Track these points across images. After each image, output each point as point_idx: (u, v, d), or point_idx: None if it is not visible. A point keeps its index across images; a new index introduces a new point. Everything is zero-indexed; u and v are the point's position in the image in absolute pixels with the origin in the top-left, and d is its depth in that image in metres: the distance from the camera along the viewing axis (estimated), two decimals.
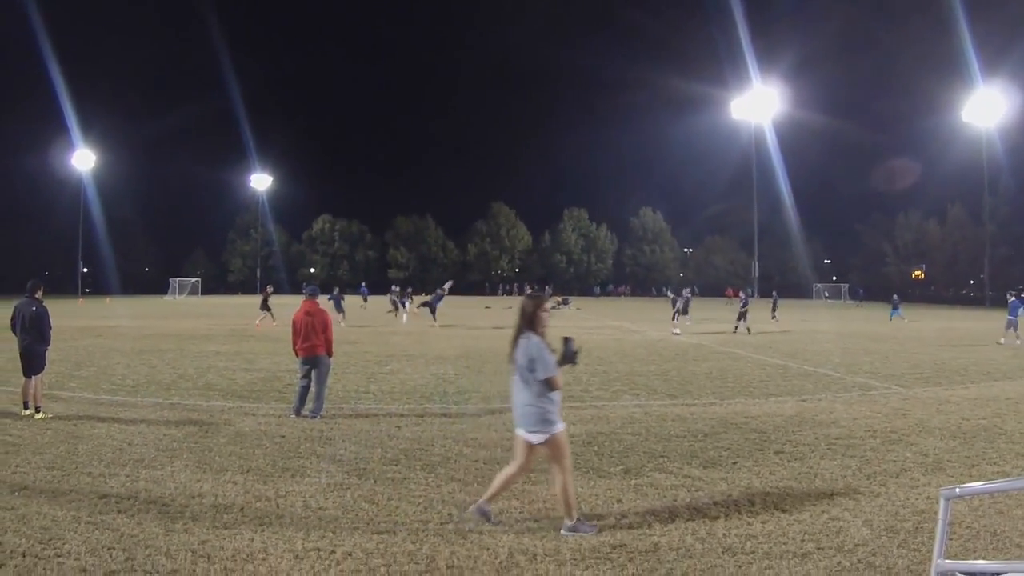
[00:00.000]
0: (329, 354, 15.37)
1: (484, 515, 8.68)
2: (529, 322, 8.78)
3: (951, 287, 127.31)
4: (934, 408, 17.36)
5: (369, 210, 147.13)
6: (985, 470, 11.80)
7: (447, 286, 51.75)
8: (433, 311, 44.10)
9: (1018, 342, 36.01)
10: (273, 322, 41.85)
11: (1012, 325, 36.86)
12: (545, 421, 8.60)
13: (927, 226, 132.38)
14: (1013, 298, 38.38)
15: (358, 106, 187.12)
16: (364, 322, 46.02)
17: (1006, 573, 5.78)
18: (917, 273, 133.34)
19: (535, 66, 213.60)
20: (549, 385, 8.56)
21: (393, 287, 63.17)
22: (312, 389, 15.12)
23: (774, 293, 53.92)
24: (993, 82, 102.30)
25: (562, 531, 8.44)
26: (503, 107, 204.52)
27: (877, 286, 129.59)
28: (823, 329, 46.12)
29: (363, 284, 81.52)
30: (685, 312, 43.49)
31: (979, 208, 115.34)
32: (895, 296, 61.28)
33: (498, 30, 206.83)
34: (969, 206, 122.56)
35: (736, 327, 42.09)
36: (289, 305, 17.97)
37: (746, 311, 42.65)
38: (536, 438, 8.60)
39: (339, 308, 45.22)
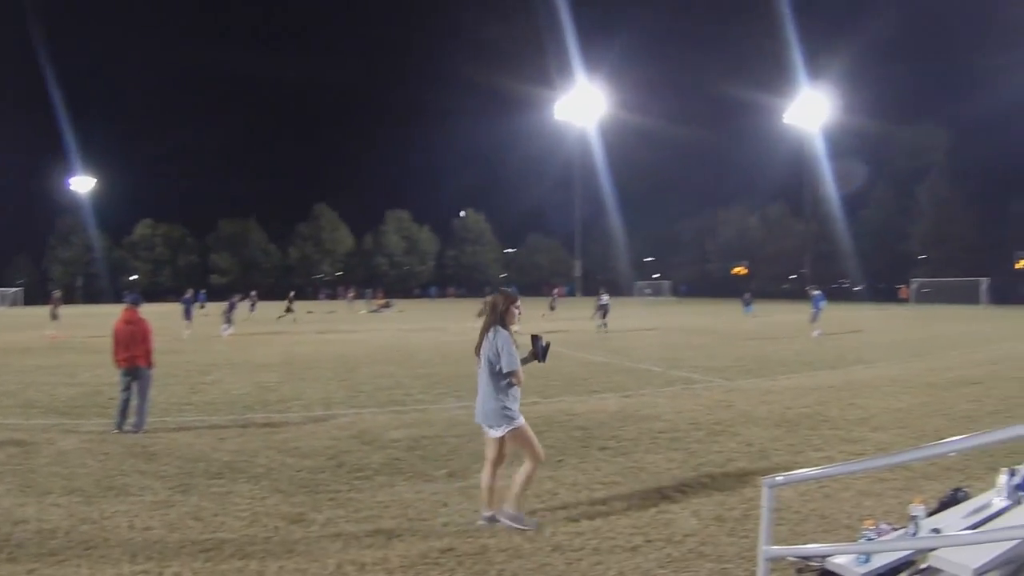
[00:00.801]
0: (150, 365, 14.85)
1: (493, 520, 8.76)
2: (499, 317, 8.98)
3: (773, 282, 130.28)
4: (757, 399, 17.77)
5: (191, 213, 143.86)
6: (810, 456, 12.12)
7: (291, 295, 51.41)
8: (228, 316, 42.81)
9: (815, 334, 37.49)
10: (56, 333, 39.98)
11: (815, 316, 38.80)
12: (506, 416, 8.84)
13: (749, 223, 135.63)
14: (816, 292, 40.14)
15: (179, 107, 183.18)
16: (203, 329, 44.75)
17: (833, 555, 5.93)
18: (738, 269, 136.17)
19: (356, 66, 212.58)
20: (511, 379, 8.86)
21: (249, 294, 62.10)
22: (133, 402, 14.59)
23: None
24: (816, 85, 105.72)
25: (498, 516, 8.65)
26: (325, 108, 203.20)
27: (699, 282, 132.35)
28: (645, 326, 46.73)
29: (202, 291, 79.82)
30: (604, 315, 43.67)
31: (801, 206, 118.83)
32: (747, 294, 62.67)
33: (320, 31, 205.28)
34: (791, 204, 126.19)
35: (603, 324, 42.52)
36: (112, 315, 17.48)
37: (606, 308, 43.43)
38: (496, 432, 8.83)
39: (188, 315, 42.81)
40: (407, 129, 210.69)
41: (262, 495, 9.91)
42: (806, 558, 7.06)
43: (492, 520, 8.72)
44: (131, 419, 14.40)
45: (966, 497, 7.71)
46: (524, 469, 8.81)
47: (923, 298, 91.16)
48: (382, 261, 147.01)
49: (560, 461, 11.83)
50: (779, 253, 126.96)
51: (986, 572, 5.25)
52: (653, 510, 9.30)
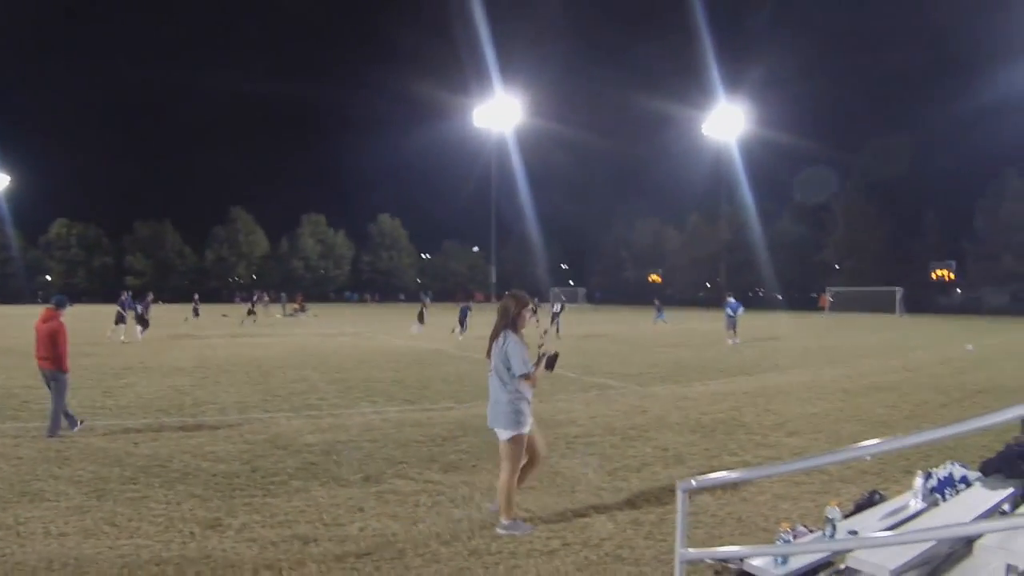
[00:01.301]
0: (62, 369, 14.31)
1: (521, 528, 8.69)
2: (511, 321, 8.92)
3: (688, 290, 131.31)
4: (672, 404, 17.86)
5: (107, 214, 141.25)
6: (725, 461, 12.20)
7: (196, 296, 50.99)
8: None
9: (731, 341, 37.96)
10: None
11: (731, 324, 38.82)
12: (518, 422, 8.78)
13: (665, 232, 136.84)
14: (730, 298, 40.28)
15: (95, 105, 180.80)
16: (186, 332, 44.10)
17: (750, 557, 5.95)
18: (654, 277, 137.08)
19: (274, 72, 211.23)
20: (524, 382, 8.79)
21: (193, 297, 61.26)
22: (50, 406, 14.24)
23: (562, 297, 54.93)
24: (734, 98, 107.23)
25: (497, 529, 8.54)
26: (242, 112, 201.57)
27: (614, 289, 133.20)
28: (561, 332, 46.88)
29: (128, 292, 78.29)
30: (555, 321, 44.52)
31: (716, 215, 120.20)
32: (657, 300, 63.01)
33: (236, 36, 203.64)
34: (706, 213, 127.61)
35: (556, 331, 42.86)
36: (27, 316, 17.01)
37: (559, 314, 45.61)
38: (504, 435, 8.79)
39: (120, 319, 40.63)
40: (324, 134, 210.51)
41: (177, 500, 9.72)
42: (724, 560, 7.10)
43: (512, 528, 8.68)
44: (47, 423, 14.04)
45: (882, 500, 7.80)
46: (503, 479, 8.74)
47: (838, 307, 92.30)
48: (298, 265, 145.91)
49: (475, 466, 11.82)
50: (694, 262, 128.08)
51: (903, 573, 5.30)
52: (569, 514, 9.30)
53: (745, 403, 18.13)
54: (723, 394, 19.60)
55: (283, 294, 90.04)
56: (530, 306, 9.19)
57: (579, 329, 50.00)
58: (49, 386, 14.27)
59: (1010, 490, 7.23)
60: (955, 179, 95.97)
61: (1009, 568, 5.16)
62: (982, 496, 7.03)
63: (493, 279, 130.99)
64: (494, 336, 9.01)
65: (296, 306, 74.45)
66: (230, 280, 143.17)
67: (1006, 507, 7.08)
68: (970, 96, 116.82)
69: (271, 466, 11.59)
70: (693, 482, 5.59)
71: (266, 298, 79.95)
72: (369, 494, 10.12)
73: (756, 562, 5.85)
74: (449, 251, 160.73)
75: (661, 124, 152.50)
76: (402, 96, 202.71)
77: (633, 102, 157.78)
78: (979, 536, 5.22)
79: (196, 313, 57.58)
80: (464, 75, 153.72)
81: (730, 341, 37.88)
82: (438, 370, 25.19)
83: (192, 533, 8.42)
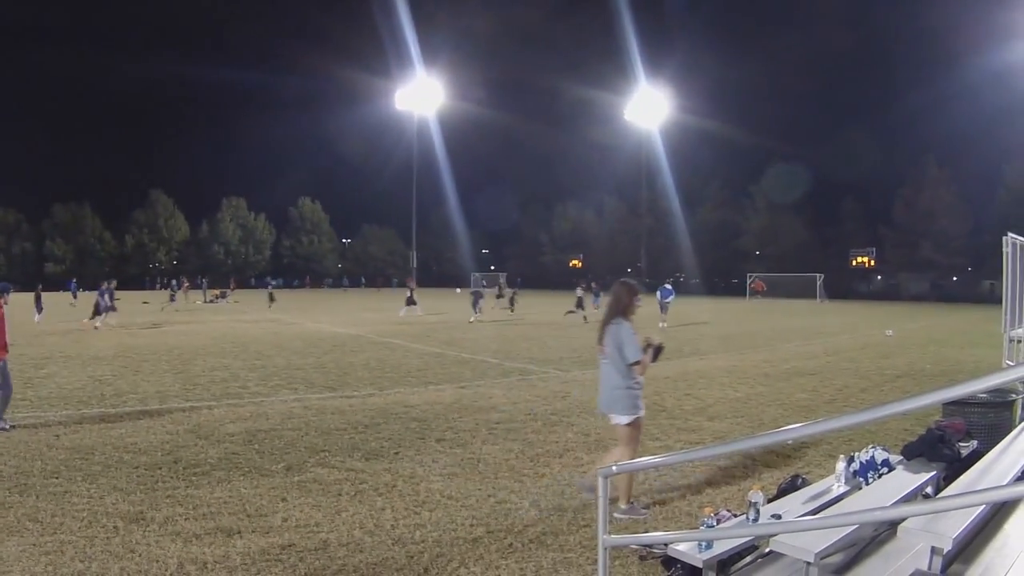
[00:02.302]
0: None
1: (639, 512, 8.81)
2: (623, 309, 9.09)
3: (608, 275, 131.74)
4: (594, 389, 17.83)
5: (26, 198, 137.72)
6: (648, 446, 12.21)
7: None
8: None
9: (661, 325, 38.88)
10: None
11: (663, 308, 40.74)
12: (634, 405, 9.04)
13: (585, 217, 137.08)
14: (667, 285, 42.41)
15: (8, 86, 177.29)
16: (73, 319, 43.17)
17: (673, 542, 5.97)
18: (574, 262, 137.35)
19: (193, 53, 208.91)
20: (636, 368, 8.95)
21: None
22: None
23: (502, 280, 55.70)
24: (655, 83, 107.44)
25: (615, 514, 8.60)
26: (159, 92, 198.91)
27: (534, 275, 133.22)
28: (481, 317, 46.96)
29: (73, 280, 76.72)
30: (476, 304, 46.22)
31: (637, 200, 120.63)
32: (594, 284, 63.45)
33: (154, 16, 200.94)
34: (628, 199, 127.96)
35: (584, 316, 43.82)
36: None
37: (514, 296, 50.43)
38: (623, 419, 9.04)
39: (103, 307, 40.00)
40: (244, 116, 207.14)
41: (100, 494, 9.54)
42: (648, 545, 7.12)
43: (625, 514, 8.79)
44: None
45: (805, 484, 7.87)
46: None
47: (760, 293, 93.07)
48: (218, 250, 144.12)
49: (397, 453, 11.76)
50: (615, 247, 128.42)
51: (827, 556, 5.34)
52: (492, 500, 9.31)
53: (666, 388, 18.30)
54: (645, 379, 19.65)
55: (203, 280, 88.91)
56: (639, 296, 9.28)
57: (501, 314, 50.04)
58: None
59: (932, 473, 7.33)
60: (875, 166, 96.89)
61: (933, 550, 5.21)
62: (905, 479, 7.12)
63: (413, 263, 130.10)
64: (605, 323, 9.15)
65: (216, 292, 73.80)
66: (150, 266, 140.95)
67: (929, 490, 7.18)
68: (891, 83, 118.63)
69: (193, 457, 11.45)
70: (614, 467, 5.61)
71: (185, 284, 79.07)
72: (292, 484, 10.03)
73: (680, 547, 5.86)
74: (369, 235, 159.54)
75: (583, 108, 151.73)
76: (323, 78, 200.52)
77: (555, 86, 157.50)
78: (903, 519, 5.27)
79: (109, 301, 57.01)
80: (386, 57, 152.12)
81: (661, 324, 38.84)
82: (359, 356, 25.12)
83: (116, 528, 8.27)
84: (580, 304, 45.80)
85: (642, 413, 9.06)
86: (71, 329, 36.27)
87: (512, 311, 51.02)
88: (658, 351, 9.45)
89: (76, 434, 13.11)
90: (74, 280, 74.99)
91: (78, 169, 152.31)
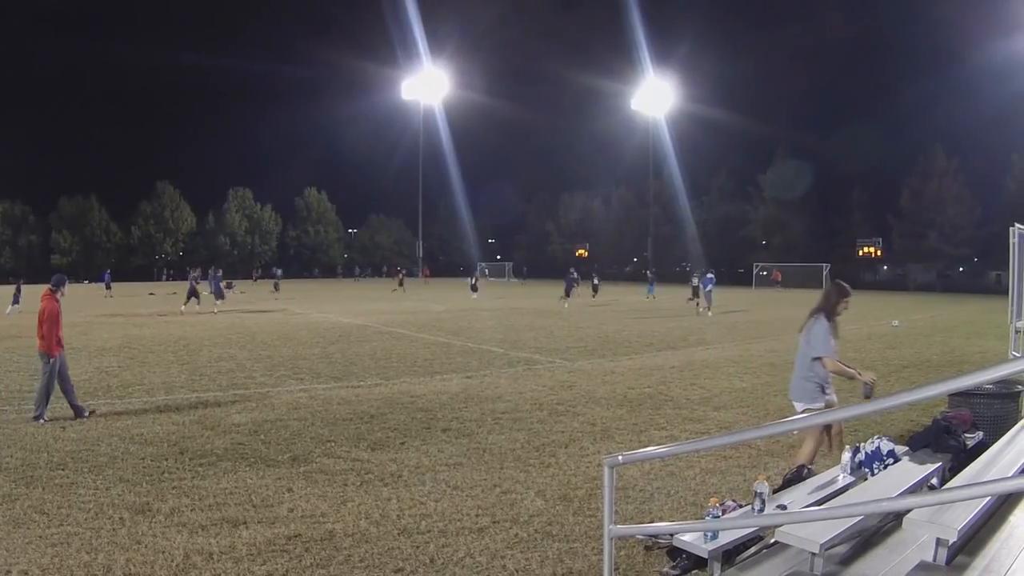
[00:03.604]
0: (49, 353, 14.11)
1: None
2: (828, 307, 9.16)
3: (615, 264, 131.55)
4: (599, 379, 17.95)
5: (32, 190, 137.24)
6: (653, 435, 12.29)
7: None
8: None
9: (704, 311, 41.23)
10: None
11: (706, 296, 42.08)
12: (811, 397, 9.14)
13: (592, 206, 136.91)
14: (709, 274, 43.35)
15: (13, 79, 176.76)
16: (113, 311, 43.75)
17: (679, 532, 5.97)
18: (581, 251, 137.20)
19: (199, 44, 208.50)
20: (819, 363, 9.03)
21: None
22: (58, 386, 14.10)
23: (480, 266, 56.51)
24: (661, 73, 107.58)
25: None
26: (166, 84, 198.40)
27: (541, 264, 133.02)
28: (487, 307, 46.94)
29: (107, 271, 76.39)
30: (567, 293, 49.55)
31: (644, 190, 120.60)
32: (649, 273, 63.85)
33: (160, 6, 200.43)
34: (634, 188, 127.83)
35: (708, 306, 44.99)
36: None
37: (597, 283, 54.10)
38: (798, 406, 9.25)
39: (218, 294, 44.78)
40: (251, 107, 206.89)
41: (106, 485, 9.54)
42: (654, 536, 7.12)
43: None
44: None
45: (811, 474, 7.86)
46: (804, 451, 8.98)
47: (763, 282, 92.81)
48: (224, 240, 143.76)
49: (403, 443, 11.78)
50: (621, 236, 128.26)
51: (833, 547, 5.34)
52: (498, 491, 9.31)
53: (672, 377, 18.31)
54: (650, 369, 19.77)
55: (210, 270, 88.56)
56: (849, 298, 9.31)
57: (503, 303, 49.96)
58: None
59: (938, 464, 7.32)
60: (882, 156, 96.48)
61: (939, 542, 5.21)
62: (910, 470, 7.11)
63: (420, 253, 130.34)
64: (810, 315, 9.26)
65: (223, 283, 73.70)
66: (157, 257, 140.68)
67: (934, 481, 7.16)
68: (899, 73, 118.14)
69: (199, 447, 11.47)
70: (620, 458, 5.58)
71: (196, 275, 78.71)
72: (297, 474, 10.05)
73: (686, 537, 5.87)
74: (375, 225, 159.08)
75: (590, 98, 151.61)
76: (329, 68, 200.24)
77: (562, 76, 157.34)
78: (908, 510, 5.26)
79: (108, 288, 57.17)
80: (392, 47, 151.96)
81: (708, 311, 41.07)
82: (364, 346, 25.12)
83: (122, 519, 8.28)
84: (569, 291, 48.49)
85: (818, 404, 9.07)
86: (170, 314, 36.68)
87: (594, 296, 53.63)
88: (870, 390, 9.20)
89: (82, 425, 13.17)
90: (108, 271, 74.42)
91: (84, 162, 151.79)
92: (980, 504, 5.42)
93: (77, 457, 10.99)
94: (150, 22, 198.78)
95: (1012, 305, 15.51)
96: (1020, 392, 10.05)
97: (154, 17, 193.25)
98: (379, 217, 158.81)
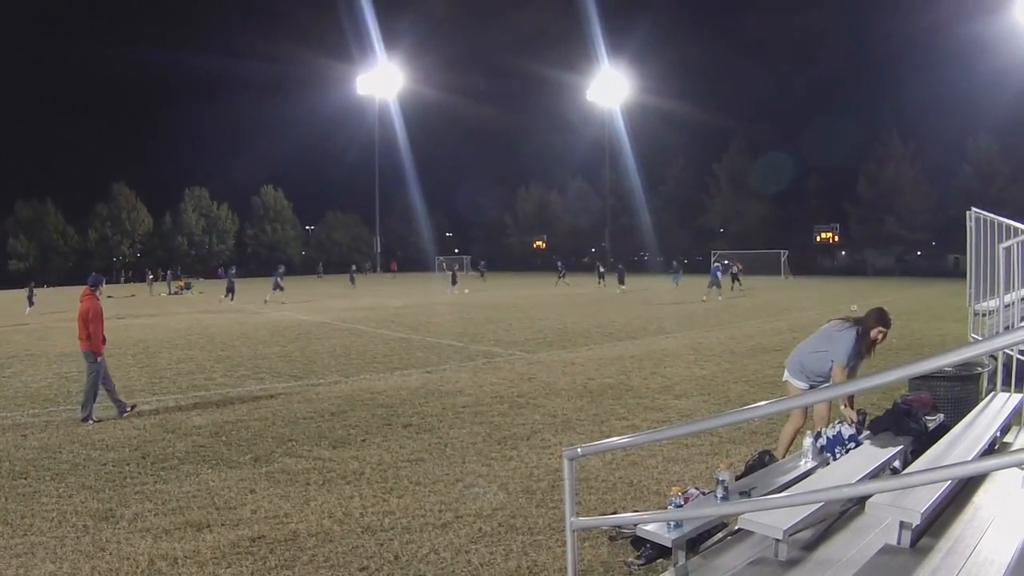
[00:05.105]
0: (95, 352, 14.34)
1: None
2: (864, 328, 8.74)
3: (572, 255, 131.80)
4: (560, 370, 18.01)
5: None
6: (614, 425, 12.34)
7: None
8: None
9: (719, 297, 43.99)
10: None
11: (715, 284, 45.62)
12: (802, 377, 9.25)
13: (548, 198, 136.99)
14: (717, 264, 48.34)
15: None
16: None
17: (642, 523, 5.97)
18: (538, 243, 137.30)
19: (150, 41, 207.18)
20: (833, 368, 8.69)
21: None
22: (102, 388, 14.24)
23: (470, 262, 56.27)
24: (616, 63, 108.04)
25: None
26: (116, 82, 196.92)
27: (499, 257, 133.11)
28: (445, 301, 46.98)
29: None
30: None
31: (601, 181, 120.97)
32: (674, 262, 64.35)
33: (109, 3, 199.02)
34: (591, 179, 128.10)
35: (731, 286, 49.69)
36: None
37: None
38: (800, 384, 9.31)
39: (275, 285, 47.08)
40: (204, 105, 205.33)
41: (69, 493, 9.48)
42: (617, 526, 7.13)
43: None
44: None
45: (773, 460, 7.90)
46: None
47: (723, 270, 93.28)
48: (182, 241, 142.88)
49: (364, 441, 11.79)
50: (579, 227, 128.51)
51: (796, 532, 5.36)
52: (460, 485, 9.34)
53: (632, 367, 18.39)
54: (610, 359, 19.86)
55: (168, 271, 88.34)
56: (887, 330, 8.91)
57: (473, 297, 49.94)
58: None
59: (899, 447, 7.37)
60: (838, 142, 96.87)
61: (902, 525, 5.24)
62: (872, 454, 7.15)
63: (378, 249, 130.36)
64: (844, 320, 9.08)
65: (181, 284, 73.45)
66: (114, 259, 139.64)
67: (896, 464, 7.21)
68: (854, 59, 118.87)
69: (161, 451, 11.42)
70: (579, 450, 5.57)
71: (150, 276, 78.58)
72: (260, 475, 10.02)
73: (649, 527, 5.87)
74: (332, 221, 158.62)
75: (545, 90, 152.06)
76: (284, 64, 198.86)
77: (517, 68, 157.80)
78: (871, 495, 5.29)
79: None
80: (347, 42, 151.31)
81: (720, 297, 44.15)
82: (324, 344, 25.07)
83: (85, 526, 8.22)
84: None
85: (800, 385, 9.23)
86: (128, 317, 36.22)
87: (733, 289, 52.98)
88: (861, 423, 9.21)
89: (43, 433, 13.02)
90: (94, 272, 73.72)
91: (39, 164, 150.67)
92: (942, 487, 5.46)
93: (39, 465, 10.89)
94: (101, 20, 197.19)
95: (970, 288, 15.64)
96: (979, 374, 10.12)
97: (105, 15, 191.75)
98: (336, 213, 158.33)
